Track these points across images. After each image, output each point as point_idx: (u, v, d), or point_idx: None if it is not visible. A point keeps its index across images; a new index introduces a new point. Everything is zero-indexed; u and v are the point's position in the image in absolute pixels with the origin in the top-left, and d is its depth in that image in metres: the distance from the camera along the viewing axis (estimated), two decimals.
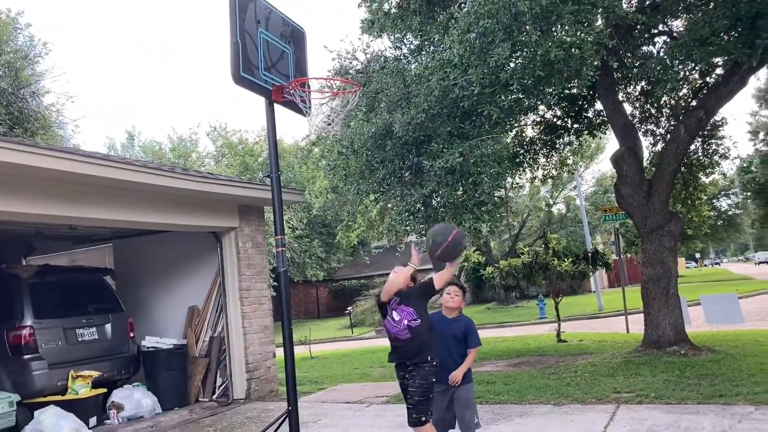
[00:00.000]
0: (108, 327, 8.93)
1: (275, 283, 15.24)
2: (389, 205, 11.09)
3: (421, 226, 9.42)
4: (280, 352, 7.66)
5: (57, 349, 8.01)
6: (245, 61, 5.15)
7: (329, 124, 5.88)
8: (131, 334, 9.30)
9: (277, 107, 5.64)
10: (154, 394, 8.82)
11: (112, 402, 8.41)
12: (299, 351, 11.50)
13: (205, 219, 9.14)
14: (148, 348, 9.24)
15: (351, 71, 11.08)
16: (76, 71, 74.47)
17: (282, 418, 5.33)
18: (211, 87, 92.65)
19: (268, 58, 5.43)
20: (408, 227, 9.78)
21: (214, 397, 9.61)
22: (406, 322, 4.71)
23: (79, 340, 8.44)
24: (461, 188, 8.73)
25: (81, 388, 7.85)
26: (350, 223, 22.83)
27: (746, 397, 6.81)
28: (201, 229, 9.40)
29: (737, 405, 6.62)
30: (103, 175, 6.95)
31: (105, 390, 8.34)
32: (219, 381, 9.75)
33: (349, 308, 32.85)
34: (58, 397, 7.69)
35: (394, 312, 4.77)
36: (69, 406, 7.53)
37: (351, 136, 9.12)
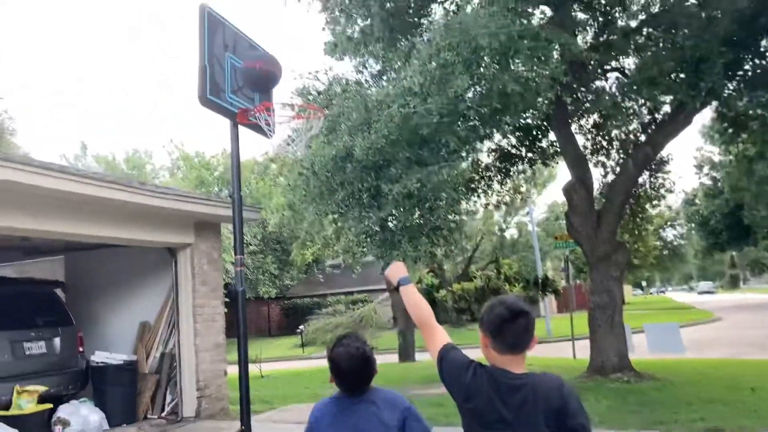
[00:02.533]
0: (57, 341, 8.76)
1: (228, 300, 15.15)
2: (347, 226, 11.23)
3: (377, 248, 9.58)
4: (230, 370, 7.65)
5: (3, 363, 7.82)
6: (212, 83, 5.26)
7: (292, 146, 6.00)
8: (80, 349, 9.14)
9: (241, 129, 5.74)
10: (101, 410, 8.65)
11: (58, 418, 8.23)
12: (250, 370, 11.47)
13: (160, 234, 9.10)
14: (97, 363, 9.09)
15: (313, 92, 11.22)
16: (33, 80, 72.69)
17: None
18: (170, 105, 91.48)
19: (234, 82, 5.54)
20: (365, 249, 9.93)
21: (164, 414, 9.49)
22: None
23: (27, 353, 8.26)
24: (417, 213, 8.94)
25: (26, 404, 7.68)
26: (307, 242, 22.85)
27: (684, 425, 7.12)
28: (156, 244, 9.35)
29: None
30: (58, 187, 6.88)
31: (51, 405, 8.16)
32: (169, 398, 9.64)
33: (301, 327, 32.63)
34: (2, 413, 7.50)
35: None
36: (13, 421, 7.35)
37: (312, 158, 9.24)
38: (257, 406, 10.35)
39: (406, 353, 19.13)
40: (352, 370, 2.84)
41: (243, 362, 5.33)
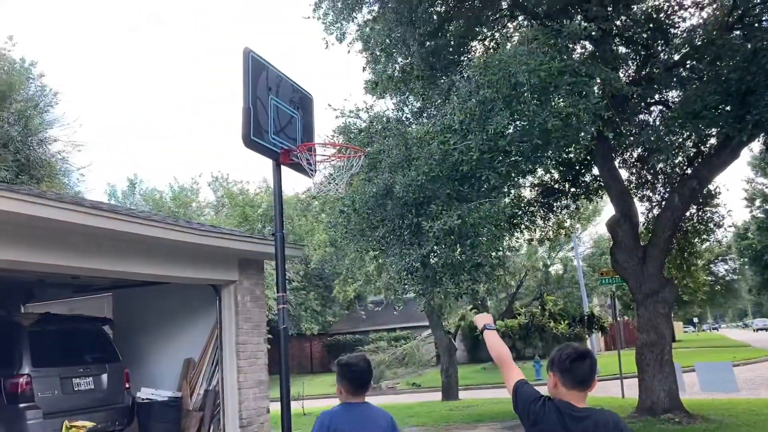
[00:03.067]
0: (104, 377, 8.94)
1: (270, 336, 15.24)
2: (388, 263, 11.24)
3: (418, 285, 9.54)
4: (274, 407, 7.66)
5: (53, 398, 8.01)
6: (256, 125, 5.39)
7: (333, 183, 6.09)
8: (127, 385, 9.30)
9: (283, 168, 5.85)
10: None
11: None
12: (292, 407, 11.44)
13: (205, 271, 9.26)
14: (143, 399, 9.24)
15: (354, 129, 11.39)
16: (84, 117, 75.60)
17: None
18: (215, 137, 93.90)
19: (277, 123, 5.67)
20: (407, 286, 9.90)
21: None
22: None
23: (75, 389, 8.45)
24: (459, 249, 8.89)
25: None
26: (348, 279, 22.91)
27: None
28: (201, 281, 9.51)
29: None
30: (108, 227, 7.08)
31: None
32: None
33: None
34: None
35: None
36: None
37: (353, 195, 9.33)
38: None
39: (449, 391, 18.84)
40: (362, 368, 3.58)
41: (285, 400, 5.35)
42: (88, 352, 9.01)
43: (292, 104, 5.94)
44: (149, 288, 10.16)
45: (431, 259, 9.45)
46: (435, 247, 8.90)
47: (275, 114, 5.63)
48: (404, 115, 11.72)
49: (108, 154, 79.25)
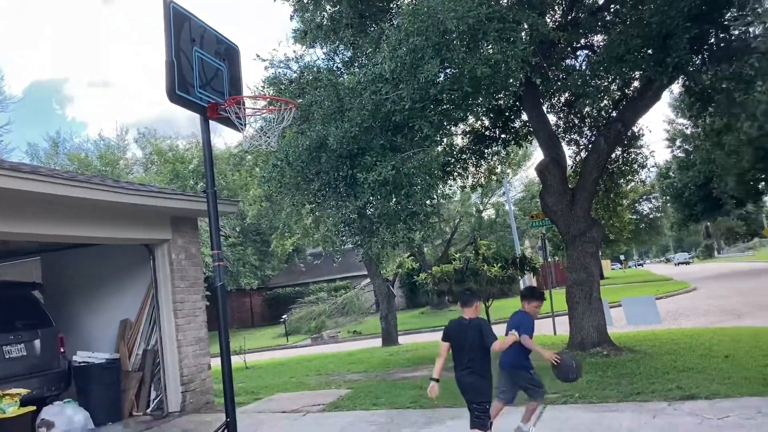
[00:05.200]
0: (36, 343, 8.73)
1: (209, 293, 15.15)
2: (325, 216, 11.25)
3: (356, 236, 9.61)
4: (215, 363, 7.70)
5: None
6: (180, 78, 5.23)
7: (264, 137, 6.00)
8: (62, 350, 9.11)
9: (213, 122, 5.72)
10: (86, 410, 8.65)
11: (42, 420, 8.21)
12: (234, 361, 11.47)
13: (136, 231, 9.06)
14: (79, 363, 9.07)
15: (284, 80, 11.17)
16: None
17: (221, 429, 5.41)
18: (143, 91, 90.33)
19: (203, 76, 5.52)
20: (344, 237, 9.96)
21: (149, 410, 9.51)
22: None
23: (6, 357, 8.22)
24: (394, 199, 8.97)
25: (8, 407, 7.64)
26: (285, 232, 22.82)
27: (661, 394, 7.28)
28: (133, 241, 9.31)
29: (652, 401, 7.09)
30: (30, 189, 6.82)
31: (34, 408, 8.12)
32: (153, 394, 9.66)
33: (284, 316, 32.71)
34: None
35: None
36: None
37: (286, 149, 9.23)
38: (243, 397, 10.40)
39: (389, 337, 19.26)
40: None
41: (225, 355, 5.37)
42: (17, 318, 8.74)
43: (218, 56, 5.77)
44: (80, 250, 9.89)
45: (367, 210, 9.51)
46: (371, 198, 8.95)
47: (200, 67, 5.47)
48: (335, 64, 11.54)
49: (31, 113, 75.37)
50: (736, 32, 10.46)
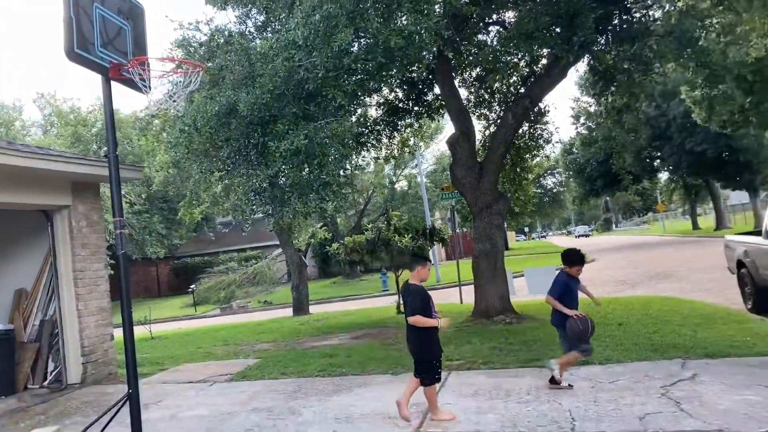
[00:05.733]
0: None
1: (113, 262, 14.60)
2: (235, 184, 11.03)
3: (267, 206, 9.50)
4: (120, 333, 7.48)
5: None
6: (80, 37, 4.95)
7: (171, 101, 5.80)
8: None
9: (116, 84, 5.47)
10: None
11: None
12: (139, 331, 11.17)
13: (33, 196, 8.59)
14: None
15: (193, 43, 10.79)
16: None
17: (122, 401, 5.28)
18: (41, 56, 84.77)
19: (104, 35, 5.24)
20: (255, 207, 9.82)
21: (46, 383, 9.13)
22: None
23: None
24: (307, 169, 8.91)
25: None
26: (193, 200, 22.25)
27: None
28: (29, 207, 8.83)
29: None
30: None
31: None
32: (51, 366, 9.28)
33: (192, 286, 32.06)
34: None
35: (433, 307, 5.76)
36: None
37: (194, 114, 8.95)
38: (148, 368, 10.17)
39: (300, 307, 19.28)
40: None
41: (126, 325, 5.22)
42: None
43: (121, 14, 5.49)
44: None
45: (279, 179, 9.41)
46: (282, 167, 8.85)
47: (102, 25, 5.19)
48: (247, 28, 11.23)
49: None
50: (638, 15, 10.96)
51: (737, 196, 61.09)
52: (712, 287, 14.72)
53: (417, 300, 5.61)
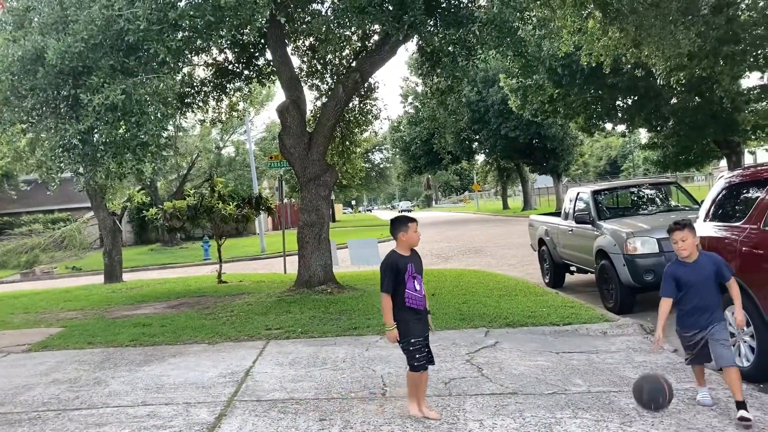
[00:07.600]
0: None
1: None
2: (42, 138, 10.05)
3: (77, 164, 8.77)
4: None
5: None
6: None
7: None
8: None
9: None
10: None
11: None
12: None
13: None
14: None
15: None
16: None
17: None
18: None
19: None
20: (62, 164, 9.02)
21: None
22: (424, 292, 4.77)
23: None
24: (123, 126, 8.34)
25: None
26: None
27: (374, 329, 7.93)
28: None
29: (367, 336, 7.71)
30: None
31: None
32: None
33: None
34: None
35: (416, 281, 4.69)
36: None
37: None
38: None
39: (112, 274, 18.15)
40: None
41: None
42: None
43: None
44: None
45: (92, 136, 8.71)
46: (96, 123, 8.19)
47: None
48: None
49: None
50: (465, 0, 11.47)
51: (543, 180, 67.06)
52: (515, 263, 16.05)
53: (382, 274, 4.71)
